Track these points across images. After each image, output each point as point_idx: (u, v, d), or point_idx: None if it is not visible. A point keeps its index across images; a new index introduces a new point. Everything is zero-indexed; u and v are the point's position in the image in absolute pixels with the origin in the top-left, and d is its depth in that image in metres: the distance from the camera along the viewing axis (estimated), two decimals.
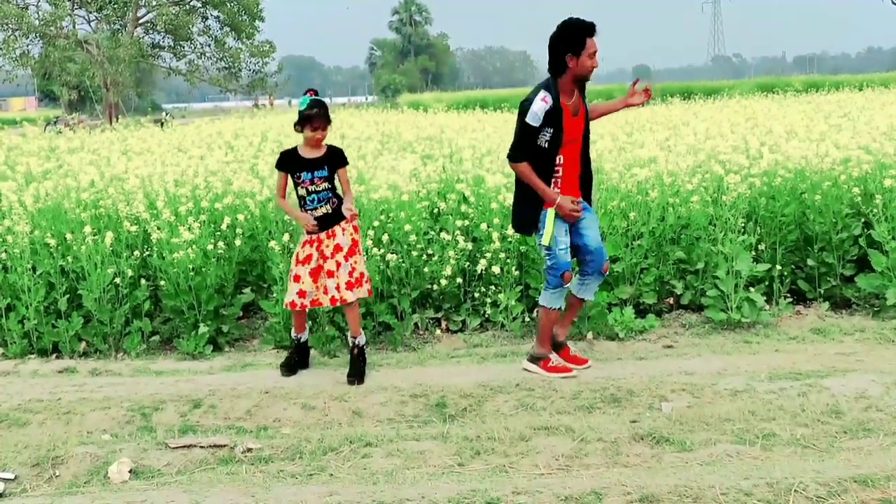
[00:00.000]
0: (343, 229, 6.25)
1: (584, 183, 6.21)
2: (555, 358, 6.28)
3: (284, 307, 6.47)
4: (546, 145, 5.91)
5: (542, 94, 5.87)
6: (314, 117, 6.12)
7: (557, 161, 6.00)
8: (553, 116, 5.85)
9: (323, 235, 6.23)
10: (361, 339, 6.39)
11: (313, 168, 6.23)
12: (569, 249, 6.08)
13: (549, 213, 5.98)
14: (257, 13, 35.80)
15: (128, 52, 31.60)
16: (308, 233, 6.26)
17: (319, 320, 7.05)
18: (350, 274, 6.25)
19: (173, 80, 41.37)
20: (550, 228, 5.99)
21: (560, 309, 6.23)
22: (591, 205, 6.29)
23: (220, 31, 36.21)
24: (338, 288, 6.23)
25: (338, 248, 6.23)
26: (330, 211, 6.26)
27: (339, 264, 6.23)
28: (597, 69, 6.02)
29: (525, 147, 5.95)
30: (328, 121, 6.17)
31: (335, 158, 6.33)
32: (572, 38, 5.86)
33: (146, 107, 48.29)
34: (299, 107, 6.18)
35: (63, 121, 28.22)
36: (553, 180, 6.00)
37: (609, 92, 44.34)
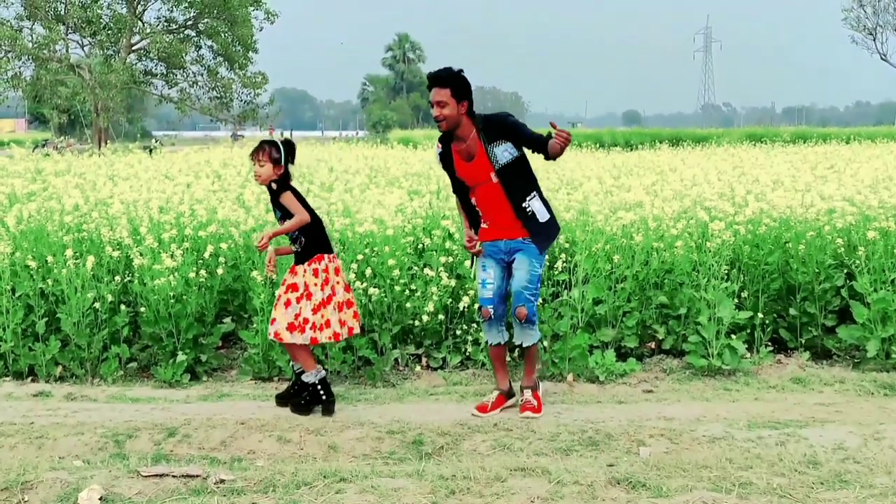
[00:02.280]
0: (294, 269, 6.23)
1: (526, 222, 6.14)
2: (489, 398, 6.35)
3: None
4: (456, 184, 6.25)
5: (437, 142, 6.26)
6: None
7: (473, 201, 6.21)
8: (445, 161, 6.20)
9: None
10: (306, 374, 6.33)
11: (274, 208, 6.30)
12: (490, 285, 6.23)
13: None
14: (251, 45, 35.88)
15: (120, 77, 31.55)
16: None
17: None
18: (296, 317, 6.12)
19: (164, 108, 41.39)
20: (474, 268, 6.35)
21: (494, 344, 6.37)
22: (535, 243, 6.17)
23: (214, 60, 36.25)
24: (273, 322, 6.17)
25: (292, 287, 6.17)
26: (299, 249, 6.21)
27: (279, 298, 6.19)
28: (437, 120, 6.03)
29: (451, 183, 6.32)
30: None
31: (276, 194, 6.23)
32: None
33: (136, 133, 48.24)
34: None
35: (51, 144, 28.18)
36: (479, 217, 6.23)
37: (598, 136, 44.66)
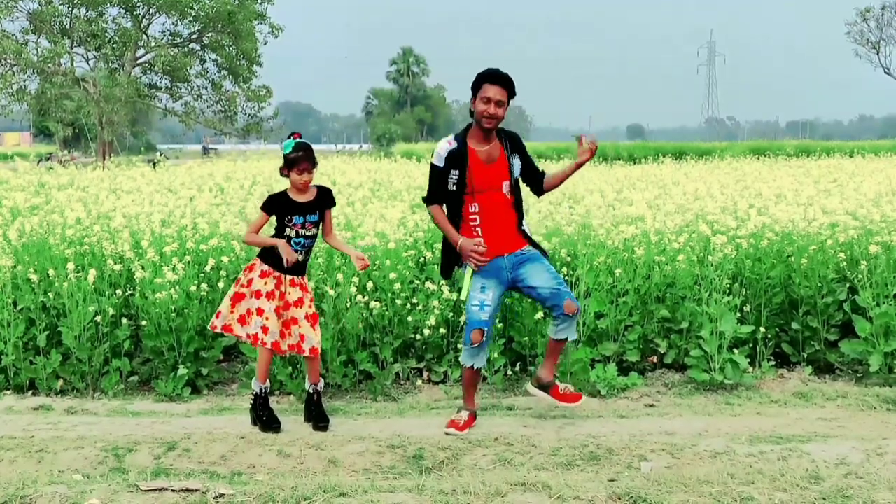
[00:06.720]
0: (304, 284, 6.21)
1: (527, 235, 6.16)
2: (461, 416, 6.14)
3: (244, 340, 6.21)
4: (454, 188, 5.97)
5: (450, 136, 6.08)
6: (300, 160, 5.98)
7: (472, 209, 5.99)
8: (457, 159, 5.94)
9: (287, 280, 6.10)
10: (321, 385, 6.36)
11: (305, 212, 6.07)
12: (487, 307, 5.99)
13: (468, 268, 6.04)
14: (256, 58, 35.93)
15: (124, 91, 31.61)
16: (275, 269, 6.07)
17: (301, 366, 6.99)
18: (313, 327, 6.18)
19: (169, 121, 41.43)
20: (466, 283, 6.03)
21: (475, 368, 6.14)
22: (544, 254, 6.22)
23: (218, 74, 36.29)
24: (302, 338, 6.13)
25: (299, 302, 6.13)
26: (302, 259, 6.15)
27: (307, 316, 6.15)
28: (489, 116, 5.92)
29: (434, 189, 6.06)
30: (314, 163, 6.06)
31: (325, 200, 6.20)
32: (474, 83, 6.04)
33: (140, 146, 48.28)
34: (283, 150, 6.03)
35: (55, 157, 28.22)
36: (471, 228, 6.01)
37: (601, 149, 44.65)
